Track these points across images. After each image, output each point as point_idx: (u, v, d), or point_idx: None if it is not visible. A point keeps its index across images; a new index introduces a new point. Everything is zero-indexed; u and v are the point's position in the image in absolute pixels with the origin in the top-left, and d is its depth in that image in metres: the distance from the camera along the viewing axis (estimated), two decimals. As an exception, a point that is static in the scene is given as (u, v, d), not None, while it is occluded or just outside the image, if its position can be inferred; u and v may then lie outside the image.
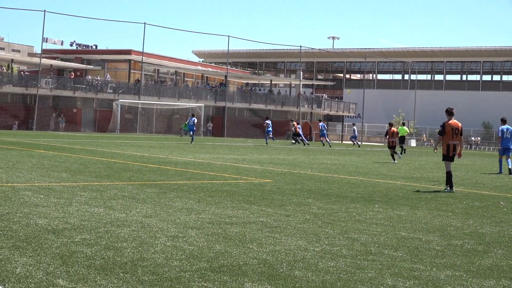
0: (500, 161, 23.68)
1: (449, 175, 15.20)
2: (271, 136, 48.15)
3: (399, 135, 35.54)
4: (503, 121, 24.04)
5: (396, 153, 29.54)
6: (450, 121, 15.47)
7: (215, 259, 6.54)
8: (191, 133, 42.04)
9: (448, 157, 15.29)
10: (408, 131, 45.80)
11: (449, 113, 15.61)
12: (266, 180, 15.68)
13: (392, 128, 29.58)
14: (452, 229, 9.21)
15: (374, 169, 21.97)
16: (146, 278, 5.67)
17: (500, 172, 23.28)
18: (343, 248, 7.42)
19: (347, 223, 9.29)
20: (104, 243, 7.04)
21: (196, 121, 43.75)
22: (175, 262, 6.29)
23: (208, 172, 17.53)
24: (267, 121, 47.89)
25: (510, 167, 23.11)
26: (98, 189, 12.12)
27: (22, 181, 12.87)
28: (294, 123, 51.27)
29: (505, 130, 23.61)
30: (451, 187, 15.16)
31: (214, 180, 15.11)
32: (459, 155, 15.43)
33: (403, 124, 43.29)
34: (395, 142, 29.31)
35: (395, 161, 28.76)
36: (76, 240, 7.13)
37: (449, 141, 15.26)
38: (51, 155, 21.50)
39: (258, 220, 9.21)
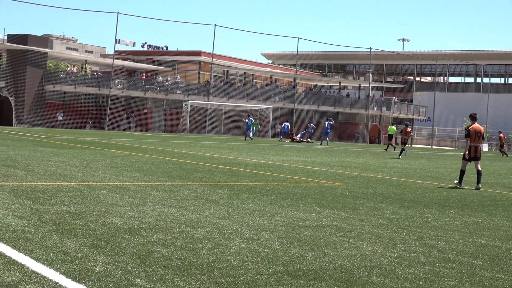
0: None
1: (462, 173, 16.91)
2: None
3: (388, 133, 40.57)
4: None
5: (404, 150, 33.63)
6: (474, 125, 17.08)
7: (290, 262, 6.49)
8: (251, 132, 48.65)
9: (470, 158, 16.93)
10: (396, 130, 46.80)
11: (473, 118, 17.24)
12: (337, 183, 15.55)
13: (407, 128, 34.78)
14: (533, 238, 8.92)
15: (447, 174, 21.54)
16: (223, 280, 5.67)
17: None
18: (421, 254, 7.27)
19: (423, 229, 9.10)
20: (179, 243, 7.07)
21: (252, 121, 51.06)
22: (251, 265, 6.27)
23: (279, 174, 17.50)
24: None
25: None
26: (171, 189, 12.23)
27: (97, 180, 13.10)
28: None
29: None
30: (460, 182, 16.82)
31: (285, 183, 15.07)
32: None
33: (392, 124, 45.18)
34: (406, 140, 34.25)
35: (400, 156, 32.96)
36: (152, 240, 7.19)
37: (472, 143, 16.94)
38: (124, 154, 21.86)
39: (331, 224, 9.12)
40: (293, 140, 51.86)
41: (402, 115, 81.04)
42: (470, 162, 17.05)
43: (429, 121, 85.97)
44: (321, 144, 48.46)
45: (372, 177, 18.22)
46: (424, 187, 16.00)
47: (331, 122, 50.11)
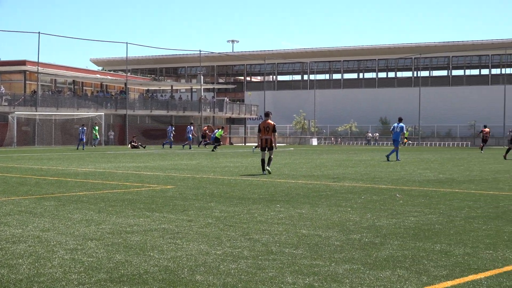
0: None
1: (262, 162, 20.23)
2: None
3: (215, 136, 47.18)
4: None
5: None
6: (266, 121, 20.56)
7: (115, 269, 6.44)
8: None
9: (262, 148, 20.46)
10: (222, 134, 49.71)
11: (266, 115, 20.81)
12: (168, 187, 15.59)
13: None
14: (351, 224, 9.43)
15: (277, 170, 22.21)
16: (43, 294, 5.53)
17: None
18: (245, 249, 7.47)
19: (249, 225, 9.35)
20: (-2, 260, 6.80)
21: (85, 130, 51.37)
22: (73, 276, 6.16)
23: (109, 181, 17.26)
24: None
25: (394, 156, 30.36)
26: (-7, 205, 11.71)
27: None
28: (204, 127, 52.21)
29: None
30: None
31: (116, 190, 14.89)
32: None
33: (222, 128, 48.10)
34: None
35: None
36: (-32, 259, 6.86)
37: (263, 136, 20.51)
38: None
39: (159, 227, 9.14)
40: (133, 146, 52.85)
41: (234, 115, 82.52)
42: (266, 151, 20.39)
43: (261, 119, 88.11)
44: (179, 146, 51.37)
45: (203, 178, 18.43)
46: (254, 184, 16.41)
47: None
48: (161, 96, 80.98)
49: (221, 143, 50.90)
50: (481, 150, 45.39)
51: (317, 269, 6.47)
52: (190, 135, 53.91)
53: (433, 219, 9.94)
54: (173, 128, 55.10)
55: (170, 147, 53.37)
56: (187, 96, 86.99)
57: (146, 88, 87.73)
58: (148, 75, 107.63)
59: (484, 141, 44.97)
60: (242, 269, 6.45)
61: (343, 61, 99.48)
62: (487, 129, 44.96)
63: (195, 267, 6.54)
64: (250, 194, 13.86)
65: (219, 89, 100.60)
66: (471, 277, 6.14)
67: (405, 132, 30.03)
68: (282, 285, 5.84)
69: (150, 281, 5.96)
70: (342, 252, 7.32)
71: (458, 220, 9.90)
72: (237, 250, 7.41)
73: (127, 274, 6.23)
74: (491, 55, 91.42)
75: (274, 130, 20.47)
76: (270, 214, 10.57)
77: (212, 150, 45.12)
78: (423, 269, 6.45)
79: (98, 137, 57.61)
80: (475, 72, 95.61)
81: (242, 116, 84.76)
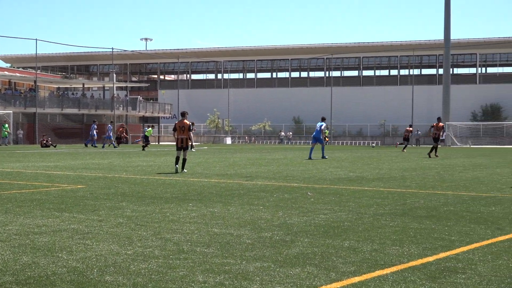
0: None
1: (176, 160, 20.54)
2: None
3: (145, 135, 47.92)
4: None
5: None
6: (182, 121, 20.44)
7: (21, 271, 6.28)
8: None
9: (178, 148, 20.61)
10: (152, 133, 50.20)
11: (182, 114, 20.80)
12: (78, 186, 15.30)
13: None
14: (263, 222, 9.52)
15: (190, 169, 22.14)
16: None
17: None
18: (156, 249, 7.42)
19: (161, 224, 9.30)
20: None
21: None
22: (-23, 278, 5.97)
23: (17, 181, 16.79)
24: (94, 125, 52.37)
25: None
26: None
27: None
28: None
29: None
30: None
31: (24, 190, 14.50)
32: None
33: (151, 127, 48.64)
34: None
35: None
36: None
37: (178, 135, 20.59)
38: None
39: (69, 227, 8.96)
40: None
41: (148, 114, 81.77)
42: (181, 151, 20.62)
43: (175, 118, 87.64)
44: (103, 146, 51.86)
45: (115, 177, 18.19)
46: (166, 183, 16.32)
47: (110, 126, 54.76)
48: (73, 94, 79.35)
49: (150, 142, 50.85)
50: (403, 149, 46.91)
51: (228, 267, 6.50)
52: (111, 134, 53.52)
53: (343, 217, 10.15)
54: (96, 126, 54.40)
55: (94, 146, 52.52)
56: (99, 94, 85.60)
57: (57, 86, 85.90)
58: (59, 73, 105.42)
59: (406, 139, 46.80)
60: (153, 269, 6.41)
61: (257, 60, 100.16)
62: (410, 128, 47.23)
63: (105, 268, 6.45)
64: (162, 193, 13.78)
65: (132, 87, 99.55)
66: (378, 273, 6.31)
67: (326, 131, 31.21)
68: (193, 284, 5.83)
69: (58, 283, 5.84)
70: (253, 250, 7.37)
71: (367, 217, 10.14)
72: (148, 250, 7.35)
73: (34, 276, 6.08)
74: (400, 56, 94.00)
75: (190, 129, 20.70)
76: (182, 213, 10.53)
77: (143, 149, 44.81)
78: (332, 266, 6.58)
79: (8, 135, 56.00)
80: (384, 72, 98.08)
81: (156, 115, 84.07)
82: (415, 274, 6.24)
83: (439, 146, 36.24)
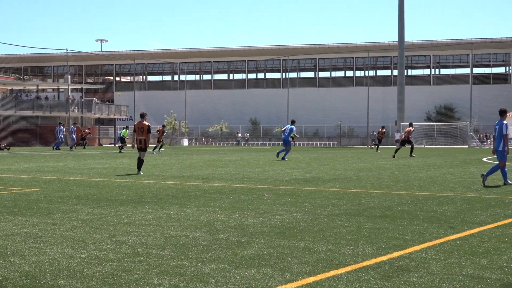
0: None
1: (139, 161, 20.61)
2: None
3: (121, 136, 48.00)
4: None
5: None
6: (141, 122, 20.74)
7: (-28, 276, 6.17)
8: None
9: (138, 148, 20.80)
10: (127, 134, 49.50)
11: (141, 116, 21.10)
12: (32, 189, 15.09)
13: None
14: (219, 224, 9.51)
15: (146, 170, 22.00)
16: None
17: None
18: (110, 252, 7.36)
19: (116, 227, 9.22)
20: None
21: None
22: None
23: (-31, 185, 16.48)
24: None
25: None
26: None
27: None
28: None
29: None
30: None
31: (-25, 193, 14.24)
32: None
33: (126, 128, 48.20)
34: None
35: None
36: None
37: (137, 136, 20.72)
38: None
39: (22, 231, 8.83)
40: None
41: (104, 116, 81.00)
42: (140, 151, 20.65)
43: (131, 120, 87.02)
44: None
45: (70, 180, 17.98)
46: (122, 185, 16.19)
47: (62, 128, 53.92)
48: (27, 96, 78.16)
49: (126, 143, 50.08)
50: (377, 149, 48.07)
51: (184, 269, 6.48)
52: (61, 135, 52.88)
53: (299, 217, 10.20)
54: (63, 128, 53.74)
55: (58, 148, 51.91)
56: (54, 96, 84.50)
57: (10, 88, 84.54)
58: (12, 74, 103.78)
59: (379, 140, 47.53)
60: (107, 272, 6.35)
61: (213, 62, 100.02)
62: (383, 130, 47.90)
63: (58, 272, 6.37)
64: (118, 195, 13.67)
65: (87, 89, 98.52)
66: (333, 273, 6.36)
67: (294, 134, 31.75)
68: (148, 287, 5.80)
69: (10, 288, 5.76)
70: (209, 252, 7.37)
71: (322, 217, 10.21)
72: (103, 253, 7.29)
73: (-15, 281, 5.98)
74: (355, 57, 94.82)
75: (148, 131, 20.82)
76: (137, 215, 10.47)
77: (120, 151, 44.86)
78: (287, 266, 6.61)
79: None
80: (340, 74, 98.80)
81: (112, 116, 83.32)
82: (369, 274, 6.30)
83: (404, 147, 37.08)
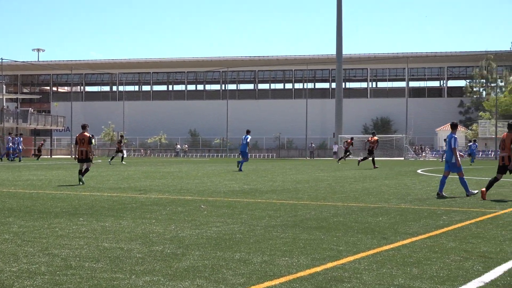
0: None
1: (82, 171, 21.09)
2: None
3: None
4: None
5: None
6: (82, 133, 21.49)
7: None
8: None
9: (78, 160, 21.47)
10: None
11: (83, 127, 21.83)
12: (-37, 202, 14.69)
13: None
14: (154, 236, 9.45)
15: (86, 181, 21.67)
16: None
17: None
18: (42, 265, 7.22)
19: (49, 239, 9.06)
20: None
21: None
22: None
23: None
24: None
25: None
26: None
27: None
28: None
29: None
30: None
31: None
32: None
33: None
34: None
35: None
36: None
37: (80, 148, 21.41)
38: None
39: (-50, 244, 8.59)
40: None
41: (40, 127, 79.58)
42: (82, 163, 21.32)
43: (68, 131, 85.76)
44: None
45: (3, 192, 17.58)
46: (57, 197, 15.92)
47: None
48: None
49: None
50: (345, 159, 48.55)
51: (117, 282, 6.41)
52: (20, 146, 51.86)
53: (235, 229, 10.21)
54: (21, 139, 52.58)
55: (13, 158, 50.79)
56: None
57: None
58: None
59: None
60: (38, 285, 6.24)
61: (153, 72, 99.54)
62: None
63: (-13, 286, 6.22)
64: (52, 208, 13.43)
65: (23, 99, 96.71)
66: (267, 284, 6.38)
67: (248, 142, 32.07)
68: (80, 300, 5.72)
69: None
70: (143, 264, 7.31)
71: (259, 229, 10.25)
72: (34, 266, 7.15)
73: None
74: (294, 70, 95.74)
75: (90, 142, 21.48)
76: (72, 228, 10.30)
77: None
78: (222, 278, 6.61)
79: None
80: (279, 86, 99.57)
81: (48, 127, 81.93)
82: (303, 285, 6.36)
83: (370, 158, 37.32)
